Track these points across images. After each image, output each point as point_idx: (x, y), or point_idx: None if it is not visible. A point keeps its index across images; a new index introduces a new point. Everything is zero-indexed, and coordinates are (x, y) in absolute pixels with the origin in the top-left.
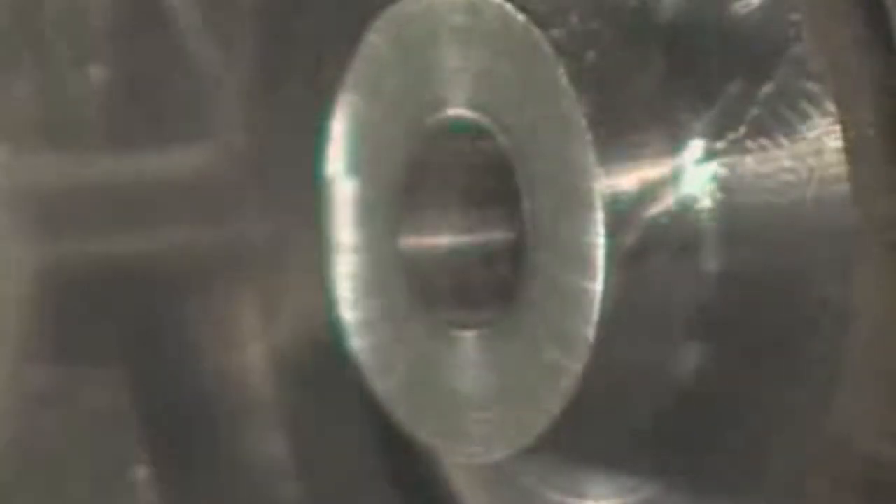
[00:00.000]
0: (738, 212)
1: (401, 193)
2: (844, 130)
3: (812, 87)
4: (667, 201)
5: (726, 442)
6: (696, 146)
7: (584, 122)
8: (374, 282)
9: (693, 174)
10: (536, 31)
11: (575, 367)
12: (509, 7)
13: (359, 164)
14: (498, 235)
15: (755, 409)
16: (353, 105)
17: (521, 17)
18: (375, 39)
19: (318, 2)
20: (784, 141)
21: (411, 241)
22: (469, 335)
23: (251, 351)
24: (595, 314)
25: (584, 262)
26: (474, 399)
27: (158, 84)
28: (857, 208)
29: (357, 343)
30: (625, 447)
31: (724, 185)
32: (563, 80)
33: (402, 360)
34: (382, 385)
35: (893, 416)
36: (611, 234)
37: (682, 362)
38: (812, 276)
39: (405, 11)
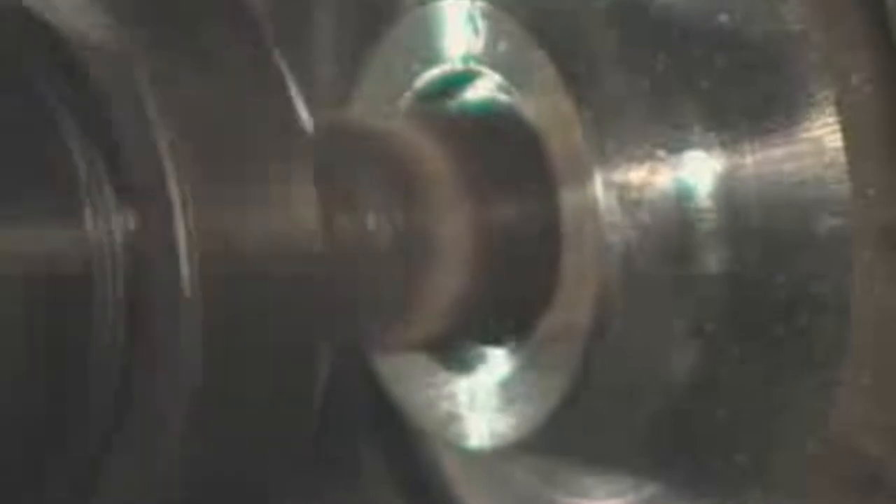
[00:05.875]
0: (738, 212)
1: None
2: (844, 130)
3: (812, 87)
4: (667, 201)
5: (726, 441)
6: (696, 146)
7: None
8: None
9: (693, 174)
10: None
11: None
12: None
13: None
14: None
15: (755, 408)
16: None
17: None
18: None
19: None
20: (784, 141)
21: None
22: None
23: None
24: None
25: None
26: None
27: None
28: (857, 208)
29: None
30: (625, 447)
31: (724, 185)
32: None
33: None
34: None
35: (893, 416)
36: (612, 232)
37: (683, 362)
38: (812, 276)
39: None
